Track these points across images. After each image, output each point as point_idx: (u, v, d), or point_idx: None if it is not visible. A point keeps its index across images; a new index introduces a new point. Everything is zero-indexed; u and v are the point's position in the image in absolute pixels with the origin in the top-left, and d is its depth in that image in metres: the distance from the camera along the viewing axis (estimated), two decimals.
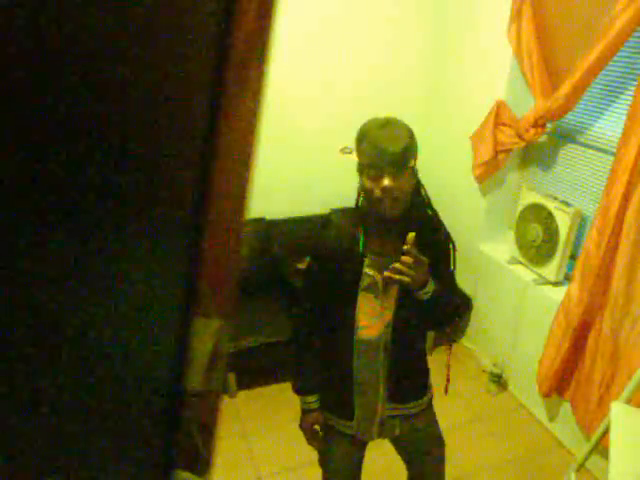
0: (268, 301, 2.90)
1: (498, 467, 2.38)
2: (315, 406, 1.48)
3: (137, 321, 0.44)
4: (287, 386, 2.77)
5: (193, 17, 0.37)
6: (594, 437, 1.93)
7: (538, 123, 2.47)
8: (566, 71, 2.30)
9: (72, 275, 0.36)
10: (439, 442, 1.59)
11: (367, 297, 1.33)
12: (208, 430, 0.53)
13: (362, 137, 1.23)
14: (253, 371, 2.82)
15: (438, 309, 1.32)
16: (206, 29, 0.39)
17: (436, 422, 1.57)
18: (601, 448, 2.03)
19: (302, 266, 2.89)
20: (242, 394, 2.73)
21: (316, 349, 1.47)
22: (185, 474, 0.51)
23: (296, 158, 3.09)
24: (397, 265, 1.19)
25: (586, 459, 1.99)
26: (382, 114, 1.27)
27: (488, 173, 2.85)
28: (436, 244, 1.35)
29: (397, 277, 1.19)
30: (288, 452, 2.38)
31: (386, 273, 1.21)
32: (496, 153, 2.73)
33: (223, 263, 0.48)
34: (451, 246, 1.36)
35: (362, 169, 1.23)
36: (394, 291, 1.32)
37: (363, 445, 1.57)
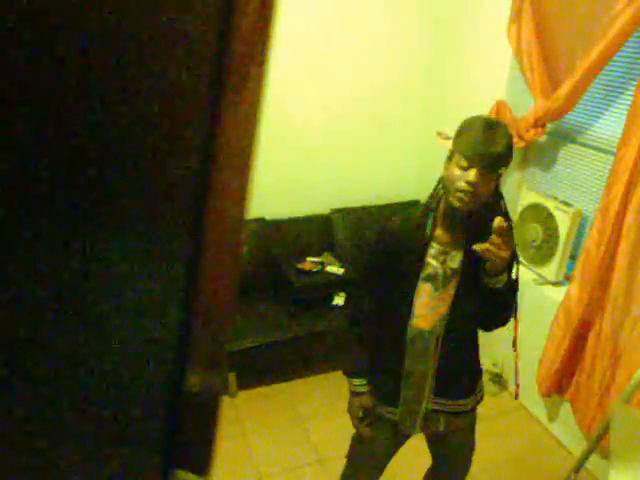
0: (268, 301, 2.90)
1: (498, 467, 2.38)
2: (363, 389, 1.49)
3: (136, 321, 0.44)
4: (287, 386, 2.79)
5: (193, 17, 0.37)
6: (594, 437, 1.93)
7: (538, 123, 2.47)
8: (566, 71, 2.30)
9: (72, 275, 0.36)
10: (472, 447, 1.60)
11: (426, 287, 1.34)
12: (208, 430, 0.53)
13: (467, 127, 1.24)
14: (253, 371, 2.82)
15: (502, 302, 1.32)
16: (206, 29, 0.39)
17: (475, 429, 1.57)
18: (601, 448, 2.03)
19: (302, 266, 2.89)
20: (242, 394, 2.73)
21: (369, 333, 1.47)
22: (185, 474, 0.51)
23: (296, 158, 3.09)
24: (485, 245, 1.18)
25: (586, 459, 1.99)
26: (457, 114, 1.27)
27: None
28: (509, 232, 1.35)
29: (487, 254, 1.18)
30: (288, 452, 2.38)
31: (476, 246, 1.19)
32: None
33: (223, 263, 0.48)
34: (515, 254, 1.36)
35: (453, 157, 1.24)
36: (453, 285, 1.33)
37: (402, 439, 1.56)
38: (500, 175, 1.25)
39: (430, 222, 1.31)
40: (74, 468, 0.43)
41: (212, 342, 0.50)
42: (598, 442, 1.92)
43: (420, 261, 1.32)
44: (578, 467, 2.03)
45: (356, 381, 1.49)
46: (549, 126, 2.58)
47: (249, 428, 2.52)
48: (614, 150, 2.08)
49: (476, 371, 1.52)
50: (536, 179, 2.81)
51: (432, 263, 1.32)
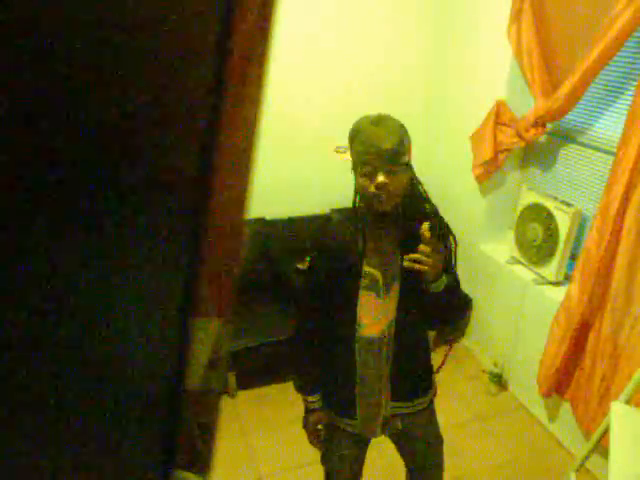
0: (268, 301, 2.90)
1: (498, 467, 2.38)
2: (317, 405, 1.48)
3: (137, 321, 0.44)
4: (287, 386, 2.79)
5: (194, 17, 0.37)
6: (594, 437, 1.93)
7: (538, 123, 2.47)
8: (566, 71, 2.30)
9: (72, 275, 0.36)
10: (438, 440, 1.59)
11: (368, 295, 1.33)
12: (208, 430, 0.53)
13: (355, 134, 1.23)
14: (253, 371, 2.82)
15: (447, 303, 1.30)
16: (206, 29, 0.39)
17: (436, 420, 1.57)
18: (601, 448, 2.03)
19: (302, 266, 2.89)
20: (242, 394, 2.73)
21: (317, 348, 1.46)
22: (185, 474, 0.51)
23: (296, 158, 3.09)
24: (415, 255, 1.18)
25: (586, 459, 1.99)
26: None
27: (488, 173, 2.85)
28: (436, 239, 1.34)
29: (417, 267, 1.18)
30: (288, 452, 2.38)
31: (405, 264, 1.19)
32: (496, 153, 2.73)
33: (223, 263, 0.48)
34: (452, 239, 1.35)
35: (356, 167, 1.23)
36: (396, 289, 1.32)
37: (365, 443, 1.57)
38: (407, 162, 1.22)
39: (361, 236, 1.30)
40: (74, 468, 0.43)
41: (212, 342, 0.50)
42: (598, 442, 1.92)
43: (358, 272, 1.31)
44: (578, 467, 2.03)
45: (310, 398, 1.48)
46: (549, 126, 2.58)
47: (249, 428, 2.52)
48: (614, 150, 2.08)
49: (429, 369, 1.51)
50: (536, 179, 2.81)
51: (370, 272, 1.31)
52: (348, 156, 1.27)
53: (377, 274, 1.31)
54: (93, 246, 0.37)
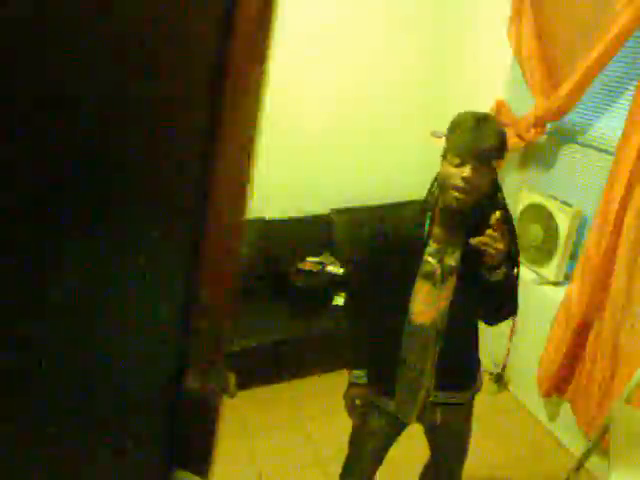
0: (268, 301, 2.90)
1: (498, 467, 2.38)
2: (361, 381, 1.50)
3: (137, 321, 0.44)
4: (287, 386, 2.79)
5: (193, 17, 0.37)
6: (594, 437, 1.93)
7: (538, 123, 2.47)
8: (566, 71, 2.30)
9: (73, 274, 0.36)
10: (468, 435, 1.61)
11: (424, 284, 1.35)
12: (208, 430, 0.53)
13: (457, 125, 1.26)
14: (253, 371, 2.82)
15: (501, 296, 1.32)
16: (206, 29, 0.39)
17: (471, 420, 1.58)
18: (601, 448, 2.03)
19: (302, 266, 2.89)
20: (242, 394, 2.72)
21: (367, 327, 1.50)
22: (185, 474, 0.51)
23: (296, 158, 3.08)
24: (483, 237, 1.19)
25: (586, 459, 1.99)
26: (474, 111, 1.28)
27: None
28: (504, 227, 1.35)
29: (483, 247, 1.19)
30: (288, 452, 2.38)
31: (472, 241, 1.20)
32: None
33: (223, 263, 0.48)
34: (514, 250, 1.36)
35: (447, 155, 1.25)
36: (452, 281, 1.34)
37: (398, 430, 1.58)
38: (495, 168, 1.25)
39: (427, 221, 1.32)
40: (75, 468, 0.43)
41: (212, 342, 0.50)
42: (598, 442, 1.92)
43: (418, 260, 1.33)
44: (578, 467, 2.03)
45: (355, 372, 1.51)
46: (549, 126, 2.58)
47: (249, 428, 2.51)
48: (614, 150, 2.07)
49: (475, 364, 1.54)
50: (536, 179, 2.81)
51: (430, 261, 1.33)
52: (442, 142, 1.29)
53: (436, 264, 1.33)
54: (93, 246, 0.37)
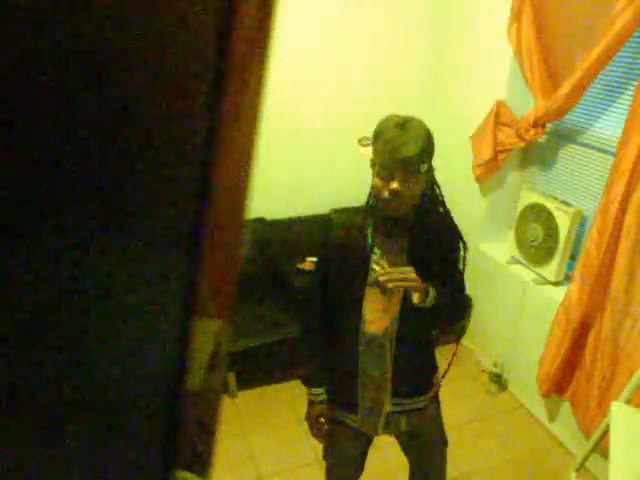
0: (268, 301, 2.90)
1: (498, 467, 2.38)
2: (321, 398, 1.48)
3: (137, 321, 0.44)
4: (287, 386, 2.79)
5: (193, 17, 0.37)
6: (594, 437, 1.93)
7: (538, 123, 2.47)
8: (566, 71, 2.30)
9: (72, 275, 0.36)
10: (441, 442, 1.59)
11: (373, 292, 1.34)
12: (208, 430, 0.53)
13: (378, 134, 1.22)
14: (253, 371, 2.82)
15: (443, 311, 1.33)
16: (206, 29, 0.39)
17: (440, 417, 1.57)
18: (601, 448, 2.03)
19: (302, 266, 2.89)
20: (242, 394, 2.72)
21: (323, 342, 1.48)
22: (185, 474, 0.51)
23: (296, 158, 3.09)
24: (392, 275, 1.20)
25: (586, 459, 1.99)
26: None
27: (488, 173, 2.85)
28: (445, 241, 1.36)
29: (401, 284, 1.21)
30: (288, 452, 2.38)
31: (384, 281, 1.21)
32: (496, 153, 2.73)
33: (223, 263, 0.48)
34: (462, 245, 1.37)
35: (374, 166, 1.23)
36: (400, 289, 1.33)
37: (368, 440, 1.57)
38: (426, 171, 1.22)
39: (370, 230, 1.31)
40: (74, 468, 0.43)
41: (212, 342, 0.50)
42: (598, 442, 1.92)
43: (365, 268, 1.32)
44: (578, 467, 2.03)
45: (316, 390, 1.49)
46: (549, 126, 2.58)
47: (249, 428, 2.52)
48: (614, 150, 2.08)
49: (432, 366, 1.52)
50: (536, 179, 2.81)
51: (376, 269, 1.32)
52: (369, 151, 1.25)
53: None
54: (92, 246, 0.37)
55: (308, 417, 1.53)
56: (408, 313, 1.34)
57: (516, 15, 2.51)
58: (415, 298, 1.25)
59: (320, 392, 1.48)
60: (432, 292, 1.26)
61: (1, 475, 0.35)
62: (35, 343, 0.35)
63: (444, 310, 1.33)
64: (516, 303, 2.74)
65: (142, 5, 0.34)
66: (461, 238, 1.37)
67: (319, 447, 2.39)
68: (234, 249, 0.49)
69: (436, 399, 1.54)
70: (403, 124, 1.19)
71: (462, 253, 1.36)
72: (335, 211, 3.17)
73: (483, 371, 2.93)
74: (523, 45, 2.49)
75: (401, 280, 1.21)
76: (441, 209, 1.34)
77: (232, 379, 2.69)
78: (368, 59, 3.04)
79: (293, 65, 2.86)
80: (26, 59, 0.28)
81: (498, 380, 2.82)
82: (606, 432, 1.83)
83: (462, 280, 1.41)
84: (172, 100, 0.39)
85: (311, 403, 1.51)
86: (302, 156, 3.10)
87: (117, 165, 0.36)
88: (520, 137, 2.57)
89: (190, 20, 0.37)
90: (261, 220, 2.99)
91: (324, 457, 1.62)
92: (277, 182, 3.03)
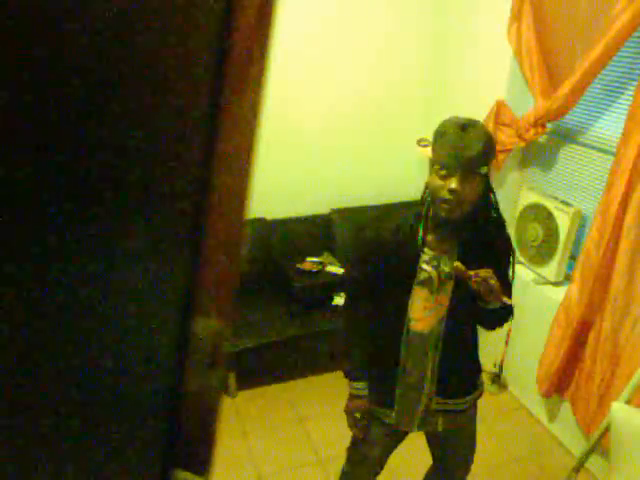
0: (268, 301, 2.90)
1: (498, 467, 2.38)
2: (363, 393, 1.49)
3: (137, 321, 0.43)
4: (287, 386, 2.79)
5: (194, 16, 0.37)
6: (594, 437, 1.93)
7: (538, 123, 2.47)
8: (566, 71, 2.30)
9: (72, 274, 0.36)
10: (473, 442, 1.61)
11: (421, 291, 1.34)
12: (208, 430, 0.53)
13: (440, 134, 1.22)
14: (253, 371, 2.82)
15: (495, 315, 1.34)
16: (206, 29, 0.39)
17: (475, 422, 1.58)
18: (601, 448, 2.03)
19: (302, 266, 2.89)
20: (242, 394, 2.72)
21: (366, 336, 1.48)
22: (185, 474, 0.51)
23: (296, 158, 3.08)
24: (478, 276, 1.19)
25: (586, 459, 1.99)
26: (458, 114, 1.25)
27: None
28: (496, 246, 1.36)
29: (475, 287, 1.20)
30: (288, 452, 2.38)
31: (473, 276, 1.20)
32: (496, 153, 2.73)
33: (223, 263, 0.48)
34: (512, 253, 1.36)
35: (433, 166, 1.23)
36: (449, 288, 1.33)
37: (400, 438, 1.57)
38: (485, 174, 1.22)
39: (421, 229, 1.31)
40: (74, 468, 0.43)
41: (212, 342, 0.50)
42: (598, 442, 1.92)
43: (413, 268, 1.32)
44: (578, 467, 2.03)
45: (356, 384, 1.49)
46: (549, 126, 2.58)
47: (249, 428, 2.52)
48: (614, 150, 2.07)
49: (476, 369, 1.53)
50: (536, 179, 2.81)
51: (425, 268, 1.32)
52: (429, 152, 1.25)
53: (432, 271, 1.32)
54: (92, 246, 0.37)
55: (347, 410, 1.53)
56: (456, 314, 1.34)
57: (516, 15, 2.51)
58: (490, 299, 1.23)
59: (361, 386, 1.49)
60: (498, 303, 1.26)
61: (1, 474, 0.35)
62: (35, 344, 0.35)
63: (493, 315, 1.34)
64: (516, 303, 2.73)
65: (143, 5, 0.34)
66: (511, 245, 1.37)
67: (319, 447, 2.40)
68: (234, 249, 0.49)
69: (476, 404, 1.54)
70: (465, 126, 1.19)
71: (512, 260, 1.36)
72: (335, 211, 3.18)
73: (483, 371, 2.93)
74: (523, 45, 2.49)
75: (484, 280, 1.19)
76: (494, 213, 1.33)
77: (232, 379, 2.69)
78: (368, 59, 3.04)
79: (293, 65, 2.86)
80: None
81: (498, 380, 2.82)
82: (606, 432, 1.83)
83: (510, 288, 1.40)
84: (172, 99, 0.39)
85: (351, 396, 1.51)
86: (302, 156, 3.10)
87: (117, 165, 0.36)
88: (520, 137, 2.57)
89: (190, 20, 0.37)
90: (261, 220, 2.99)
91: (348, 449, 1.62)
92: (277, 182, 3.03)
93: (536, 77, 2.47)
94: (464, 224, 1.29)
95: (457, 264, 1.21)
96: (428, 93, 3.23)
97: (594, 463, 2.26)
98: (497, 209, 1.32)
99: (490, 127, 2.71)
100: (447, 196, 1.19)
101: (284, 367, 2.86)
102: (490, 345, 3.02)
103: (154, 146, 0.39)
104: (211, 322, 0.49)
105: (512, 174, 2.91)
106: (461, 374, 1.47)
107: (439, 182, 1.20)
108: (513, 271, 1.39)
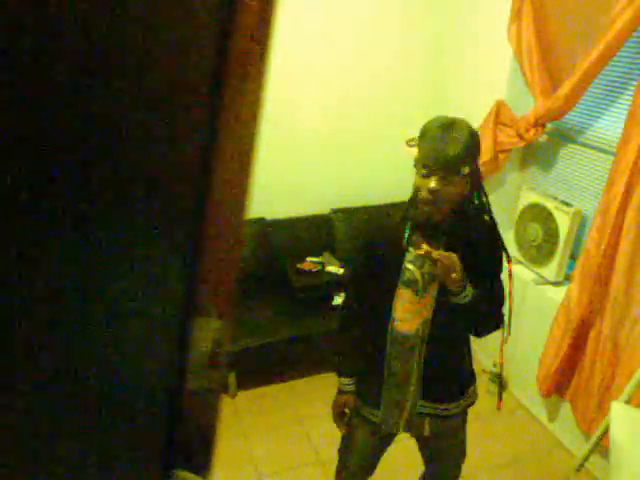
0: (268, 301, 2.90)
1: (498, 467, 2.38)
2: (349, 389, 1.50)
3: (137, 321, 0.44)
4: (287, 386, 2.79)
5: (193, 17, 0.37)
6: (594, 437, 1.93)
7: (538, 123, 2.47)
8: (566, 71, 2.30)
9: (72, 274, 0.36)
10: (461, 452, 1.60)
11: (406, 291, 1.33)
12: (208, 430, 0.53)
13: (423, 134, 1.22)
14: (253, 371, 2.82)
15: (477, 316, 1.33)
16: (206, 29, 0.39)
17: (464, 430, 1.57)
18: (601, 448, 2.03)
19: (302, 266, 2.89)
20: (242, 394, 2.72)
21: (357, 334, 1.50)
22: (185, 474, 0.51)
23: (296, 158, 3.08)
24: (428, 249, 1.19)
25: (586, 459, 1.99)
26: (446, 114, 1.23)
27: (488, 173, 2.84)
28: (485, 251, 1.34)
29: (433, 256, 1.18)
30: (288, 452, 2.38)
31: (425, 247, 1.19)
32: (496, 153, 2.73)
33: (223, 263, 0.48)
34: (504, 257, 1.35)
35: (417, 165, 1.23)
36: (434, 289, 1.32)
37: (387, 437, 1.57)
38: (470, 173, 1.20)
39: (407, 230, 1.31)
40: (75, 468, 0.43)
41: (212, 342, 0.50)
42: (598, 442, 1.92)
43: (398, 267, 1.32)
44: (578, 467, 2.03)
45: (344, 380, 1.51)
46: (549, 126, 2.58)
47: (249, 428, 2.51)
48: (614, 150, 2.07)
49: (465, 375, 1.50)
50: (536, 179, 2.81)
51: (409, 268, 1.31)
52: (415, 152, 1.25)
53: (416, 271, 1.32)
54: (92, 246, 0.37)
55: (333, 404, 1.55)
56: (441, 317, 1.33)
57: (516, 15, 2.51)
58: (451, 284, 1.22)
59: (348, 382, 1.50)
60: (470, 289, 1.25)
61: (3, 472, 0.35)
62: (35, 344, 0.35)
63: (478, 317, 1.33)
64: (516, 303, 2.74)
65: (143, 5, 0.34)
66: (505, 250, 1.35)
67: (319, 447, 2.40)
68: (234, 249, 0.49)
69: (465, 411, 1.52)
70: (448, 125, 1.18)
71: (506, 265, 1.35)
72: (335, 211, 3.18)
73: (483, 371, 2.93)
74: (523, 45, 2.49)
75: (446, 259, 1.18)
76: (487, 218, 1.32)
77: (232, 379, 2.69)
78: (368, 59, 3.04)
79: (293, 65, 2.86)
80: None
81: (498, 380, 2.82)
82: (606, 432, 1.83)
83: (502, 294, 1.39)
84: (172, 99, 0.39)
85: (339, 392, 1.53)
86: (302, 156, 3.10)
87: (117, 165, 0.36)
88: (520, 137, 2.57)
89: (191, 19, 0.37)
90: (261, 220, 2.99)
91: (339, 450, 1.63)
92: (277, 182, 3.03)
93: (536, 77, 2.47)
94: (450, 225, 1.28)
95: (425, 246, 1.20)
96: (428, 93, 3.23)
97: (594, 463, 2.26)
98: (490, 212, 1.31)
99: (490, 127, 2.71)
100: (426, 196, 1.19)
101: (284, 367, 2.86)
102: (490, 345, 3.02)
103: (154, 146, 0.39)
104: (211, 322, 0.49)
105: (512, 174, 2.91)
106: (447, 379, 1.45)
107: (420, 182, 1.21)
108: (510, 277, 1.37)
